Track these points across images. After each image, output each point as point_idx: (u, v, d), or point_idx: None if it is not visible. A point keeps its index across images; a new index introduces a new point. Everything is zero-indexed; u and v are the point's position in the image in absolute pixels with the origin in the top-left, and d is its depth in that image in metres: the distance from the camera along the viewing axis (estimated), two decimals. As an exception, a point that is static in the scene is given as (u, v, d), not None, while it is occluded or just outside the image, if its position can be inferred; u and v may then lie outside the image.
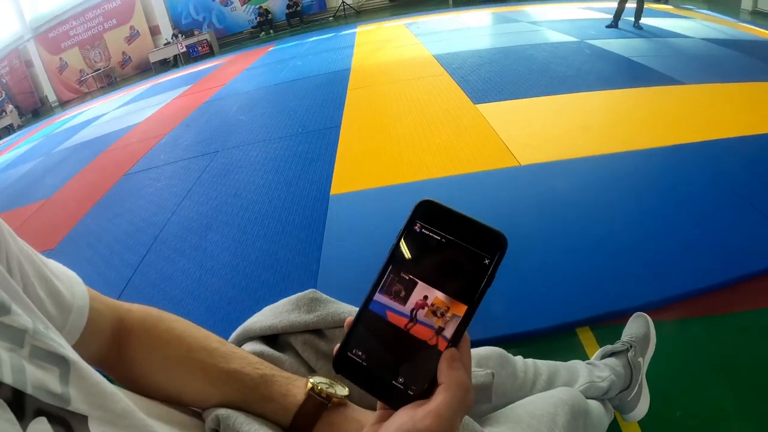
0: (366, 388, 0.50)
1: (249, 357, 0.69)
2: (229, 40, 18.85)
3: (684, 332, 1.96)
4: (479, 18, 12.40)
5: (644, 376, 1.55)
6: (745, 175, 3.01)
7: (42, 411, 0.41)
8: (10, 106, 19.37)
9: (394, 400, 0.49)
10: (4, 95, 20.40)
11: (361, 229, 2.95)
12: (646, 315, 1.72)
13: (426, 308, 0.49)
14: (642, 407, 1.46)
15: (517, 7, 13.82)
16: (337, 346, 0.51)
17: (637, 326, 1.67)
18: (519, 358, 1.09)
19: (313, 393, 0.64)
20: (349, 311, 0.75)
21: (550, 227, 2.71)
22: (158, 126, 7.36)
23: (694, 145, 3.49)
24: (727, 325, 1.96)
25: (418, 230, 0.52)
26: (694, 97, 4.58)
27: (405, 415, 0.46)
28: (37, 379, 0.43)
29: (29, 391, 0.41)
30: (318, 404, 0.63)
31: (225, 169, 4.60)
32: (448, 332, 0.48)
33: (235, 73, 10.41)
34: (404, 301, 0.50)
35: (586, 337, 1.99)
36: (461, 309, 0.48)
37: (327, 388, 0.64)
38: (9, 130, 18.09)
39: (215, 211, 3.68)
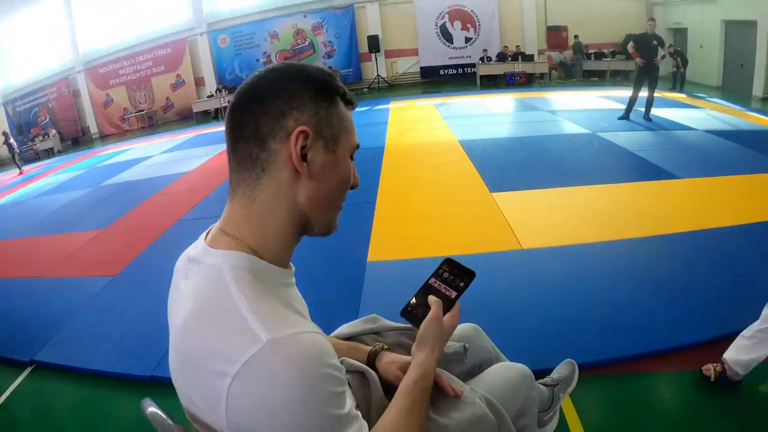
0: (412, 322, 1.18)
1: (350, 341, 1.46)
2: (269, 99, 19.80)
3: (615, 385, 2.59)
4: (503, 104, 13.15)
5: (560, 405, 2.15)
6: (708, 264, 3.66)
7: None
8: (53, 130, 20.39)
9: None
10: (48, 119, 21.52)
11: (390, 292, 3.56)
12: (574, 362, 2.32)
13: (440, 293, 1.18)
14: (552, 425, 2.04)
15: (540, 93, 14.71)
16: (404, 305, 1.21)
17: (566, 370, 2.27)
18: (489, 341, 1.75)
19: (375, 347, 1.37)
20: (394, 325, 1.51)
21: (534, 298, 3.37)
22: (206, 179, 7.97)
23: (672, 236, 4.17)
24: (654, 383, 2.58)
25: (443, 268, 1.23)
26: (684, 191, 5.26)
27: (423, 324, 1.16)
28: None
29: None
30: (379, 349, 1.37)
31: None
32: (446, 304, 1.17)
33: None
34: (432, 290, 1.20)
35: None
36: (453, 294, 1.18)
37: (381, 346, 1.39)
38: (49, 153, 19.21)
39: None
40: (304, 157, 0.92)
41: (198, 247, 0.99)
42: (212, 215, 6.00)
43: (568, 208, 5.08)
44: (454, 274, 1.21)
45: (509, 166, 6.73)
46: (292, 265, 1.05)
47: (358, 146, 1.02)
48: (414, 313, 1.18)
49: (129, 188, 8.47)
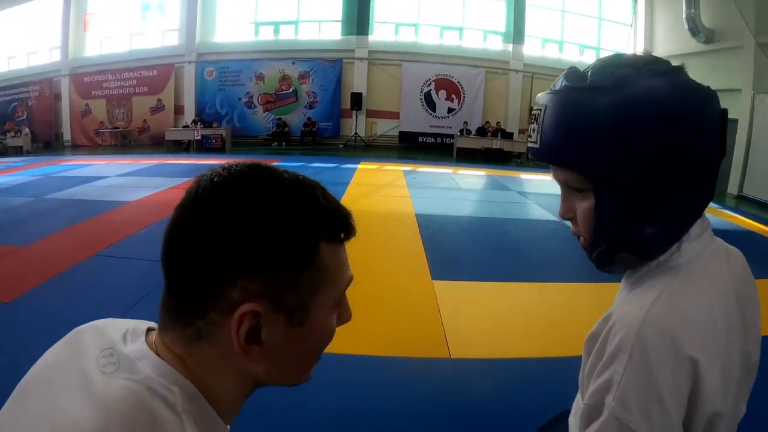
0: None
1: None
2: (243, 140, 19.83)
3: None
4: (473, 179, 13.08)
5: None
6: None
7: None
8: (27, 129, 20.21)
9: None
10: (25, 116, 21.42)
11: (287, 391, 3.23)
12: None
13: None
14: None
15: (514, 172, 14.60)
16: None
17: None
18: None
19: None
20: None
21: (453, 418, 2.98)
22: (143, 213, 7.65)
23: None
24: None
25: None
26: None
27: None
28: None
29: None
30: None
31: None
32: None
33: (234, 180, 10.96)
34: None
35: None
36: None
37: None
38: (18, 151, 18.96)
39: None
40: (258, 334, 0.66)
41: (136, 343, 0.71)
42: (130, 256, 5.81)
43: (514, 308, 4.61)
44: None
45: (461, 249, 6.40)
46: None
47: (351, 280, 0.76)
48: None
49: (69, 206, 8.29)
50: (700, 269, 0.94)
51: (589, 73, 0.92)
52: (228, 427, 0.75)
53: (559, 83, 0.96)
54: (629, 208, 0.92)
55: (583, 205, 0.96)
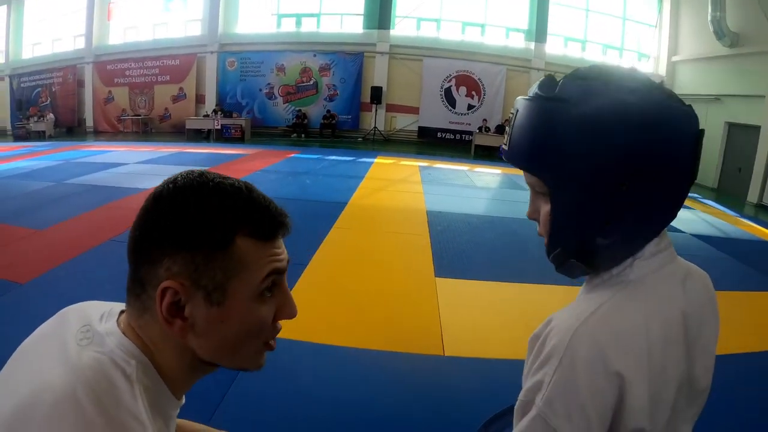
0: None
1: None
2: (263, 131, 19.95)
3: None
4: (489, 177, 12.97)
5: None
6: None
7: None
8: (51, 114, 20.51)
9: None
10: (49, 102, 21.80)
11: (275, 378, 3.21)
12: None
13: None
14: None
15: None
16: None
17: None
18: None
19: None
20: None
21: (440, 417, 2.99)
22: None
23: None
24: None
25: None
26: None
27: None
28: None
29: None
30: None
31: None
32: None
33: (250, 171, 10.99)
34: None
35: None
36: None
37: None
38: (41, 135, 19.28)
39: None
40: (181, 310, 0.79)
41: (109, 323, 0.85)
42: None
43: (514, 309, 4.58)
44: None
45: (468, 248, 6.37)
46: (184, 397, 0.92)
47: (277, 271, 0.83)
48: None
49: (87, 192, 8.43)
50: (648, 288, 0.95)
51: (559, 83, 0.94)
52: (181, 401, 0.89)
53: (533, 90, 0.98)
54: (580, 217, 0.95)
55: (545, 209, 1.00)
